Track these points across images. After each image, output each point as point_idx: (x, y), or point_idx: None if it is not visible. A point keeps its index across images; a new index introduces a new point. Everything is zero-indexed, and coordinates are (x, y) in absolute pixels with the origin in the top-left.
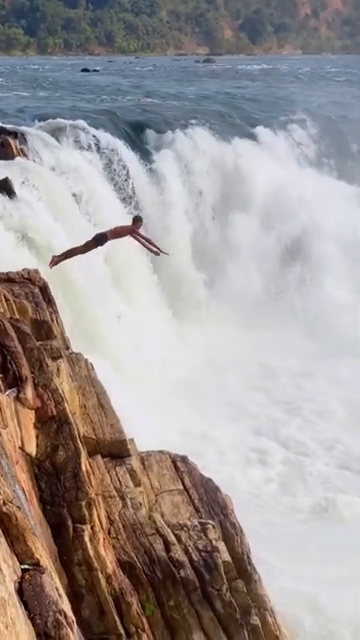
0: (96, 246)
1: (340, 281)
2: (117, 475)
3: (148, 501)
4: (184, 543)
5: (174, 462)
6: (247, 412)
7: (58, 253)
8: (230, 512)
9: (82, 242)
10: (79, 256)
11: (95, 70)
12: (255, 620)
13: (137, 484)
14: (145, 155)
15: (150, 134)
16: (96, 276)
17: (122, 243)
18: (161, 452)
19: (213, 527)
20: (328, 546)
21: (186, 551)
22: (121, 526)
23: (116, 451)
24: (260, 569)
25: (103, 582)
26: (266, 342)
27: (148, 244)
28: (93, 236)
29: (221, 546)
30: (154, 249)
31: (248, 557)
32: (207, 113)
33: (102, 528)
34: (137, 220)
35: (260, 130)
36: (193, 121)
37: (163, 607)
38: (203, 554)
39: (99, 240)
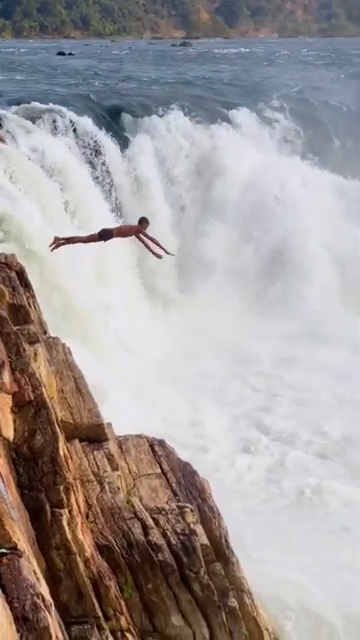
0: (99, 240)
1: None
2: (95, 459)
3: (126, 485)
4: (162, 527)
5: (152, 446)
6: (230, 399)
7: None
8: (208, 496)
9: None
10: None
11: (71, 54)
12: (233, 602)
13: (115, 468)
14: (122, 140)
15: (127, 119)
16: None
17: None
18: (139, 436)
19: (191, 510)
20: (312, 533)
21: (164, 534)
22: (99, 510)
23: (94, 435)
24: (244, 555)
25: (81, 566)
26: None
27: (153, 245)
28: (99, 230)
29: (199, 529)
30: (157, 252)
31: (226, 540)
32: (185, 98)
33: (80, 512)
34: (143, 221)
35: (239, 116)
36: (172, 106)
37: (141, 590)
38: (181, 537)
39: (103, 236)
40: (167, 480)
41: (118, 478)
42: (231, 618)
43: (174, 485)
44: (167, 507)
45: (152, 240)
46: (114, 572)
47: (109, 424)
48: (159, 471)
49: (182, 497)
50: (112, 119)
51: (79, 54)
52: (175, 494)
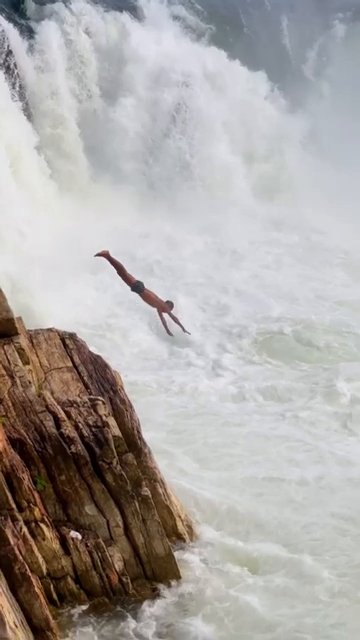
0: (129, 285)
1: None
2: (5, 354)
3: (37, 379)
4: (74, 419)
5: (63, 339)
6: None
7: None
8: (120, 388)
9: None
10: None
11: None
12: (145, 491)
13: (26, 362)
14: (26, 28)
15: (31, 6)
16: None
17: None
18: (49, 330)
19: (103, 403)
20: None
21: (76, 427)
22: (11, 404)
23: (4, 330)
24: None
25: None
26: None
27: (172, 322)
28: (137, 280)
29: (111, 421)
30: (171, 330)
31: (138, 431)
32: None
33: None
34: (169, 304)
35: (147, 5)
36: None
37: (55, 482)
38: (93, 429)
39: (136, 287)
40: (79, 373)
41: (29, 372)
42: (144, 506)
43: (86, 378)
44: (79, 400)
45: (174, 319)
46: (27, 465)
47: (19, 318)
48: (70, 364)
49: (94, 390)
50: (13, 6)
51: None
52: (87, 387)
